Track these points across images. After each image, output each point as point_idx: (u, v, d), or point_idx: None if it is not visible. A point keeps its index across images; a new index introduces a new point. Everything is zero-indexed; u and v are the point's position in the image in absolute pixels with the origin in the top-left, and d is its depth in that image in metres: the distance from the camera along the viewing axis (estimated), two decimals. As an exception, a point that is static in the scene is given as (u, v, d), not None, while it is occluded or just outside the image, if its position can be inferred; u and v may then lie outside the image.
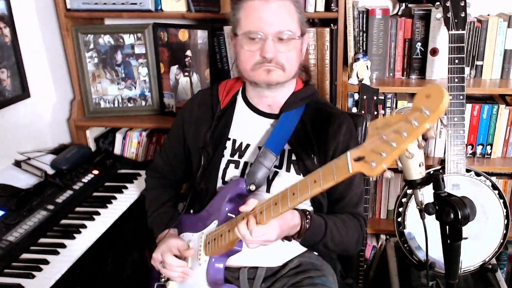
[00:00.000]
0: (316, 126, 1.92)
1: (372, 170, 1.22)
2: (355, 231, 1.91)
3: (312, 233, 1.75)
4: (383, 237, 3.03)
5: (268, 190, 1.89)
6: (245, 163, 1.93)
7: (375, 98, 2.34)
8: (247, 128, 1.97)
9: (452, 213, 1.29)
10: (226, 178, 1.94)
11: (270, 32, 1.75)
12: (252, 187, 1.83)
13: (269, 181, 1.89)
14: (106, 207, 2.29)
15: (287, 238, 1.73)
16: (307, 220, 1.72)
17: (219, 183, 1.94)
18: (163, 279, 1.90)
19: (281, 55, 1.79)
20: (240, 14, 1.81)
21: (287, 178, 1.89)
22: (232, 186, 1.85)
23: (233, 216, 1.80)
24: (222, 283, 1.79)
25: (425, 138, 1.19)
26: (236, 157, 1.95)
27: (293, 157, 1.91)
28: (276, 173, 1.90)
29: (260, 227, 1.56)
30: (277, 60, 1.79)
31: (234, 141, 1.97)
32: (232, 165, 1.94)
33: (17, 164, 2.51)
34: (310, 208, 1.91)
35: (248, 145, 1.95)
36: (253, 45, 1.79)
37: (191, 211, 2.04)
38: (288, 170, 1.90)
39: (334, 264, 2.07)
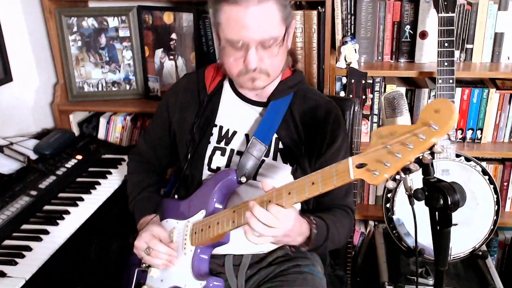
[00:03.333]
0: (304, 115, 1.91)
1: (374, 178, 1.24)
2: (348, 228, 1.91)
3: (317, 238, 1.71)
4: (371, 223, 3.02)
5: (254, 178, 1.88)
6: (232, 150, 1.92)
7: (363, 82, 2.34)
8: (235, 116, 1.95)
9: (442, 199, 1.28)
10: (212, 165, 1.92)
11: (252, 40, 1.68)
12: (243, 179, 1.81)
13: (256, 169, 1.87)
14: (90, 192, 2.26)
15: (295, 247, 1.69)
16: (314, 225, 1.69)
17: (205, 170, 1.93)
18: (144, 265, 1.87)
19: (265, 62, 1.74)
20: (220, 18, 1.72)
21: (274, 167, 1.88)
22: (222, 176, 1.82)
23: (221, 207, 1.80)
24: (207, 275, 1.77)
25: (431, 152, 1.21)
26: (222, 144, 1.93)
27: (280, 145, 1.89)
28: (262, 161, 1.88)
29: (278, 207, 1.49)
30: (261, 68, 1.75)
31: (221, 128, 1.95)
32: (218, 152, 1.92)
33: (-1, 149, 2.48)
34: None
35: (235, 132, 1.93)
36: (236, 53, 1.73)
37: (176, 196, 2.01)
38: (275, 158, 1.89)
39: (323, 254, 2.06)
